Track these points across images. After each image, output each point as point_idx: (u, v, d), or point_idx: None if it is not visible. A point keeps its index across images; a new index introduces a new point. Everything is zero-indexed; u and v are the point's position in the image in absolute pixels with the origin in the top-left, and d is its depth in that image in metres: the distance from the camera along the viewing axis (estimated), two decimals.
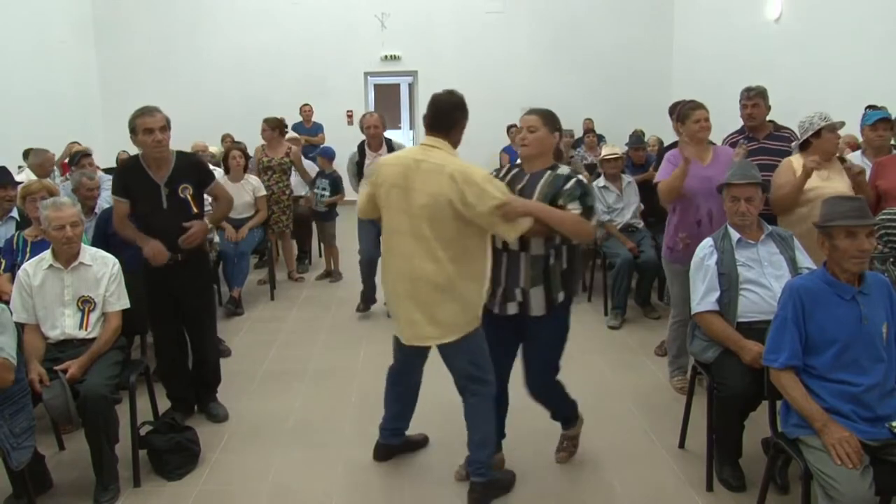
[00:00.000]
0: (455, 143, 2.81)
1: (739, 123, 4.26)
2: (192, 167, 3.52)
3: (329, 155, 6.72)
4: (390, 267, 2.87)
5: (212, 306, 3.79)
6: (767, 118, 4.15)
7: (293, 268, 6.77)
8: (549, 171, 2.81)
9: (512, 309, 2.85)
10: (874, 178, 3.63)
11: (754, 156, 3.92)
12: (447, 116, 2.78)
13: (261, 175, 6.36)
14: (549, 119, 2.85)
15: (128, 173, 3.46)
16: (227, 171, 5.99)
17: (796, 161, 3.65)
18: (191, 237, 3.41)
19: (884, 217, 3.24)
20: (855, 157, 4.01)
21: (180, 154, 3.50)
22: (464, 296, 2.75)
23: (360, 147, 5.38)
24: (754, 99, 4.08)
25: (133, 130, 3.33)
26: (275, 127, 6.45)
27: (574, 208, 2.68)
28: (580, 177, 2.78)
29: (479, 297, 2.81)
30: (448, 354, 2.89)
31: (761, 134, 4.08)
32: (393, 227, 2.80)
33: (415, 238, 2.70)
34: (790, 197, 3.54)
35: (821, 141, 3.56)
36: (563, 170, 2.82)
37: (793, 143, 3.92)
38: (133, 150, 3.53)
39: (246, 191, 5.99)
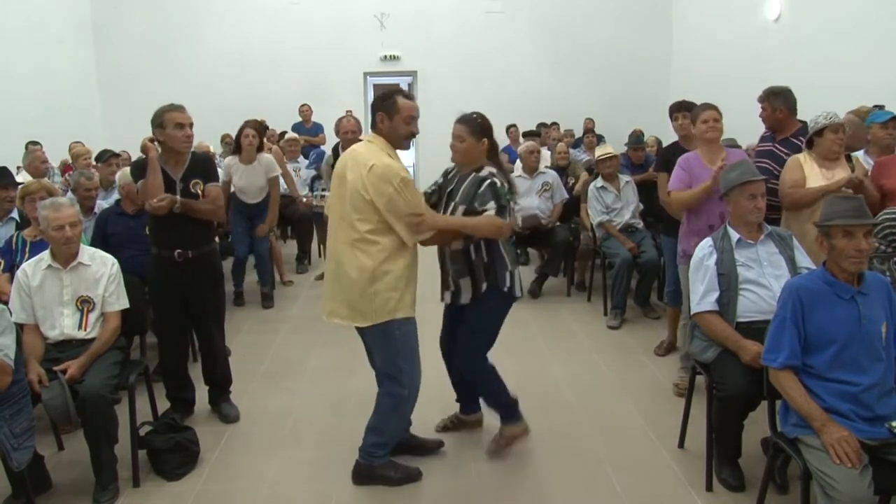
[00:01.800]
0: (390, 137, 2.88)
1: (740, 123, 4.25)
2: (202, 163, 3.60)
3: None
4: (328, 247, 3.06)
5: (220, 305, 3.79)
6: (798, 118, 4.01)
7: (283, 271, 6.64)
8: (473, 174, 3.04)
9: (447, 298, 3.18)
10: (877, 178, 3.62)
11: (762, 158, 3.89)
12: (372, 114, 2.94)
13: None
14: (475, 128, 3.03)
15: (145, 164, 3.46)
16: (238, 151, 5.59)
17: (804, 158, 3.61)
18: (158, 203, 3.32)
19: (886, 216, 3.24)
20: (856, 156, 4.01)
21: (193, 153, 3.59)
22: (376, 283, 2.80)
23: (335, 150, 5.37)
24: (761, 103, 4.00)
25: (161, 125, 3.38)
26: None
27: (490, 208, 2.91)
28: (495, 178, 2.97)
29: (394, 288, 2.84)
30: (365, 342, 3.05)
31: (780, 136, 3.97)
32: (331, 211, 2.97)
33: (342, 220, 2.86)
34: (807, 200, 3.49)
35: (822, 140, 3.55)
36: (484, 172, 3.02)
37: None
38: (132, 149, 3.53)
39: (258, 173, 5.57)
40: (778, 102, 3.92)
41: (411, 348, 2.98)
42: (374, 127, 2.91)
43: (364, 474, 3.08)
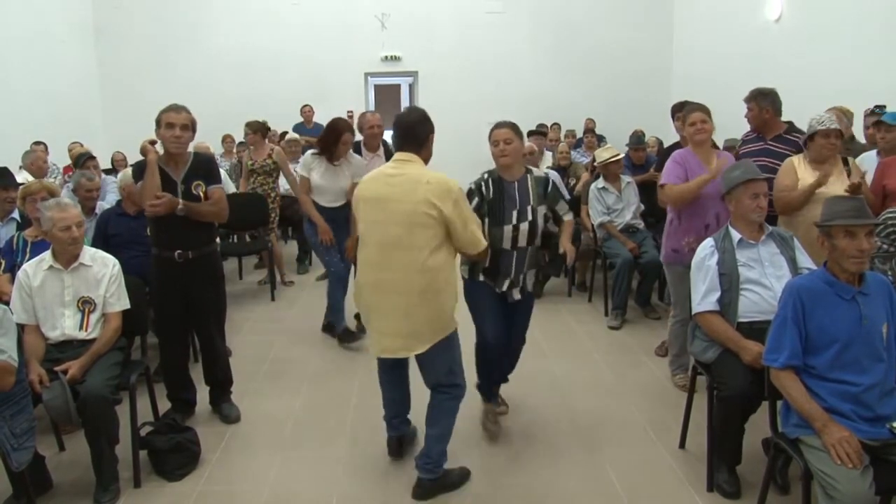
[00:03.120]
0: (426, 158, 2.88)
1: (741, 123, 4.26)
2: (205, 164, 3.59)
3: None
4: (367, 279, 2.89)
5: (221, 306, 3.78)
6: (784, 119, 4.07)
7: (283, 271, 6.63)
8: (528, 175, 3.34)
9: (517, 295, 3.36)
10: (880, 178, 3.62)
11: (757, 156, 3.90)
12: (414, 131, 2.84)
13: (247, 178, 6.35)
14: (517, 130, 3.28)
15: (145, 165, 3.46)
16: (326, 153, 4.81)
17: (798, 161, 3.64)
18: (157, 204, 3.31)
19: (888, 216, 3.23)
20: (870, 157, 4.01)
21: (196, 154, 3.58)
22: (439, 302, 2.79)
23: (356, 148, 5.16)
24: (748, 103, 4.05)
25: (157, 123, 3.40)
26: (257, 130, 6.41)
27: (565, 209, 3.46)
28: (549, 174, 3.54)
29: (452, 304, 2.86)
30: (423, 362, 2.93)
31: (769, 135, 4.02)
32: (368, 239, 2.86)
33: (393, 248, 2.75)
34: (797, 203, 3.53)
35: (813, 145, 3.56)
36: (537, 171, 3.42)
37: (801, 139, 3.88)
38: (133, 149, 3.54)
39: (343, 175, 4.86)
40: (765, 103, 3.98)
41: (460, 352, 2.99)
42: (411, 145, 2.83)
43: (431, 489, 2.96)
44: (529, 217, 3.26)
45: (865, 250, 2.39)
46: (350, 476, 3.16)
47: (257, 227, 6.35)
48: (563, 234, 3.52)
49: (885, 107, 4.80)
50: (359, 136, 5.26)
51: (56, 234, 3.12)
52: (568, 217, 3.48)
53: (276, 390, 4.13)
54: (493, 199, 3.24)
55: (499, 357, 3.43)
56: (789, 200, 3.56)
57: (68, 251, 3.15)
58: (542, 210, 3.32)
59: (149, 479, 3.13)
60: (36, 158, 5.93)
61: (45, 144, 6.94)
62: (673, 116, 4.86)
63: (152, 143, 3.40)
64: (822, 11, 7.29)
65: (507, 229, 3.23)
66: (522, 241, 3.27)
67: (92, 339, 3.14)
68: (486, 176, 3.30)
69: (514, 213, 3.24)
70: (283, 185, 6.69)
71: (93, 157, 5.65)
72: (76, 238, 3.13)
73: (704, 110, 3.82)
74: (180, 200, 3.38)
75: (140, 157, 3.48)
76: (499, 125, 3.30)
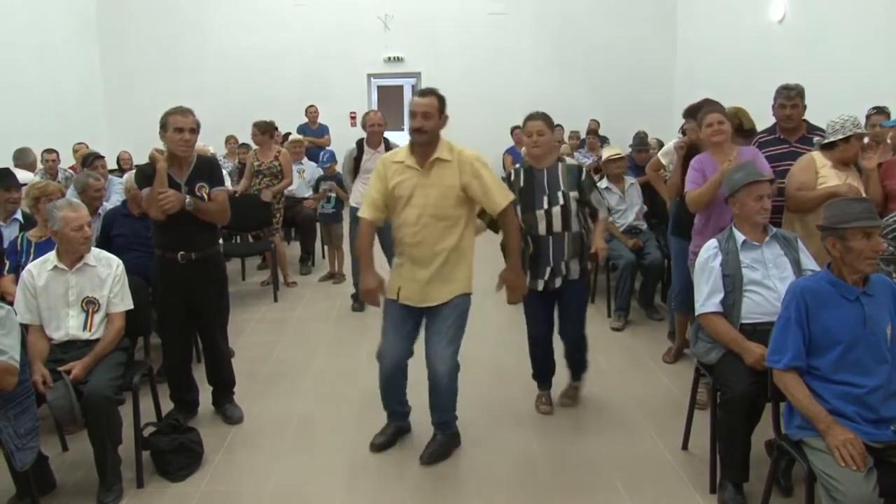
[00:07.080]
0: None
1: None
2: (208, 167, 3.59)
3: (335, 160, 6.82)
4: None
5: (224, 307, 3.78)
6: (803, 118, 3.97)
7: (286, 272, 6.63)
8: (560, 164, 3.51)
9: (558, 283, 3.48)
10: (882, 178, 3.60)
11: (781, 160, 3.82)
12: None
13: (252, 179, 6.35)
14: (550, 121, 3.48)
15: (150, 172, 3.46)
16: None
17: (819, 159, 3.54)
18: (164, 199, 3.29)
19: (893, 218, 3.22)
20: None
21: (199, 156, 3.58)
22: None
23: (359, 144, 5.43)
24: (794, 100, 3.87)
25: (163, 126, 3.38)
26: (264, 131, 6.42)
27: (598, 200, 3.57)
28: (580, 163, 3.69)
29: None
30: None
31: (794, 136, 3.90)
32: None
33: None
34: (813, 203, 3.44)
35: (848, 146, 3.49)
36: (569, 160, 3.61)
37: (815, 139, 3.80)
38: (135, 148, 3.54)
39: None
40: (804, 101, 3.89)
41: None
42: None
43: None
44: (560, 201, 3.42)
45: (881, 251, 2.38)
46: (353, 477, 3.16)
47: (261, 228, 6.36)
48: (595, 232, 3.66)
49: (885, 108, 4.80)
50: (362, 133, 5.53)
51: (68, 233, 3.12)
52: (602, 213, 3.63)
53: (279, 391, 4.13)
54: (523, 186, 3.46)
55: (542, 351, 3.73)
56: (804, 199, 3.49)
57: (79, 251, 3.17)
58: (573, 195, 3.45)
59: (152, 479, 3.13)
60: (33, 162, 5.95)
61: (19, 149, 6.79)
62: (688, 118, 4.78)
63: (160, 151, 3.40)
64: (825, 12, 7.29)
65: (540, 214, 3.42)
66: (557, 226, 3.43)
67: (95, 340, 3.15)
68: (517, 166, 3.59)
69: (545, 199, 3.43)
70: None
71: (101, 157, 5.67)
72: (89, 237, 3.17)
73: (721, 111, 3.73)
74: (186, 196, 3.37)
75: (144, 160, 3.48)
76: (532, 116, 3.49)
